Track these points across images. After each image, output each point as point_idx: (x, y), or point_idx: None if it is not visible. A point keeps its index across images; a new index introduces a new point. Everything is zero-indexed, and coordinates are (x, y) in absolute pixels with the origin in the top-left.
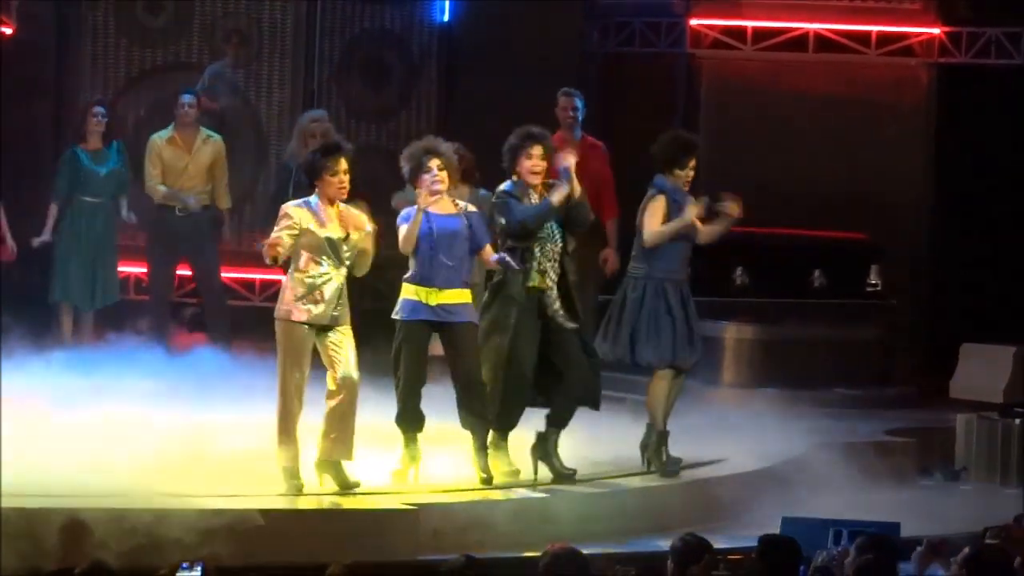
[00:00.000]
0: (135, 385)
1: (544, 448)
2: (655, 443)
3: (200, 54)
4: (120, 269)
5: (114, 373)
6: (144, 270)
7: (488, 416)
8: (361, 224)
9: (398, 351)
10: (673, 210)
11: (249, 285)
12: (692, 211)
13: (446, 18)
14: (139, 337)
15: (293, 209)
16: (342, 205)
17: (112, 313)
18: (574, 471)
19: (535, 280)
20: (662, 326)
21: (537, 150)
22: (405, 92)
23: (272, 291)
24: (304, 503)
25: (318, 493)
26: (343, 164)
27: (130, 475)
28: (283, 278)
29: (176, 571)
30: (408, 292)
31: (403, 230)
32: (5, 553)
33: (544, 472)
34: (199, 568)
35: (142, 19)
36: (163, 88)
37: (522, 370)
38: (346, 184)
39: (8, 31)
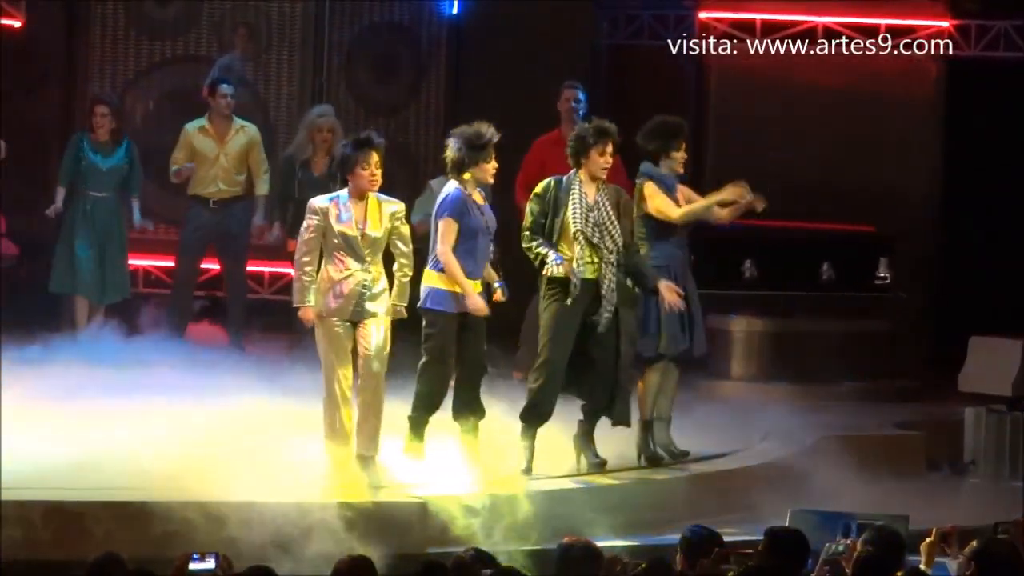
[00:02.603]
0: (148, 376)
1: (585, 437)
2: (639, 434)
3: (209, 47)
4: (130, 262)
5: (127, 364)
6: (153, 263)
7: (481, 409)
8: (393, 215)
9: (439, 344)
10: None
11: (258, 278)
12: (733, 191)
13: (455, 11)
14: (154, 328)
15: (318, 205)
16: (379, 197)
17: (123, 304)
18: (604, 461)
19: (587, 272)
20: (651, 317)
21: (610, 147)
22: (414, 85)
23: (281, 284)
24: (312, 497)
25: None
26: (375, 157)
27: (141, 467)
28: (292, 271)
29: (188, 562)
30: (445, 283)
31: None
32: (6, 545)
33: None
34: (212, 558)
35: (151, 11)
36: (172, 81)
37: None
38: (378, 177)
39: (17, 24)
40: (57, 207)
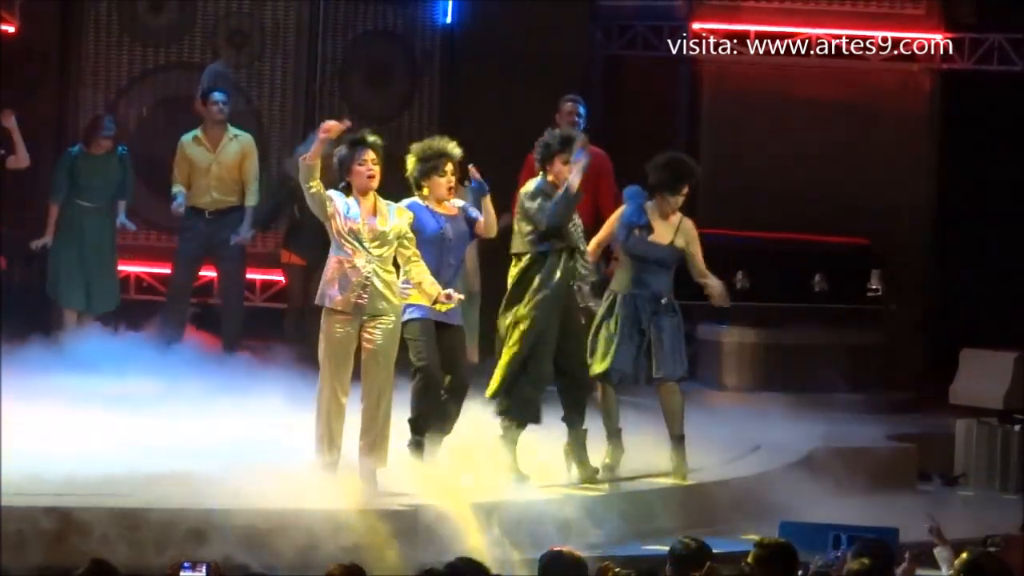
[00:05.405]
0: (139, 384)
1: (577, 446)
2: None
3: (202, 54)
4: (120, 268)
5: (120, 372)
6: (145, 269)
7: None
8: (401, 219)
9: (426, 353)
10: (624, 233)
11: (250, 286)
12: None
13: (448, 20)
14: (148, 336)
15: (335, 193)
16: (383, 202)
17: (116, 312)
18: (596, 470)
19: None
20: (622, 341)
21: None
22: (407, 94)
23: (273, 291)
24: (301, 505)
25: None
26: (370, 154)
27: (133, 475)
28: (282, 279)
29: (179, 571)
30: (413, 296)
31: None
32: (5, 551)
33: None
34: (203, 568)
35: (144, 18)
36: (165, 87)
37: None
38: (375, 173)
39: (11, 29)
40: (44, 241)
